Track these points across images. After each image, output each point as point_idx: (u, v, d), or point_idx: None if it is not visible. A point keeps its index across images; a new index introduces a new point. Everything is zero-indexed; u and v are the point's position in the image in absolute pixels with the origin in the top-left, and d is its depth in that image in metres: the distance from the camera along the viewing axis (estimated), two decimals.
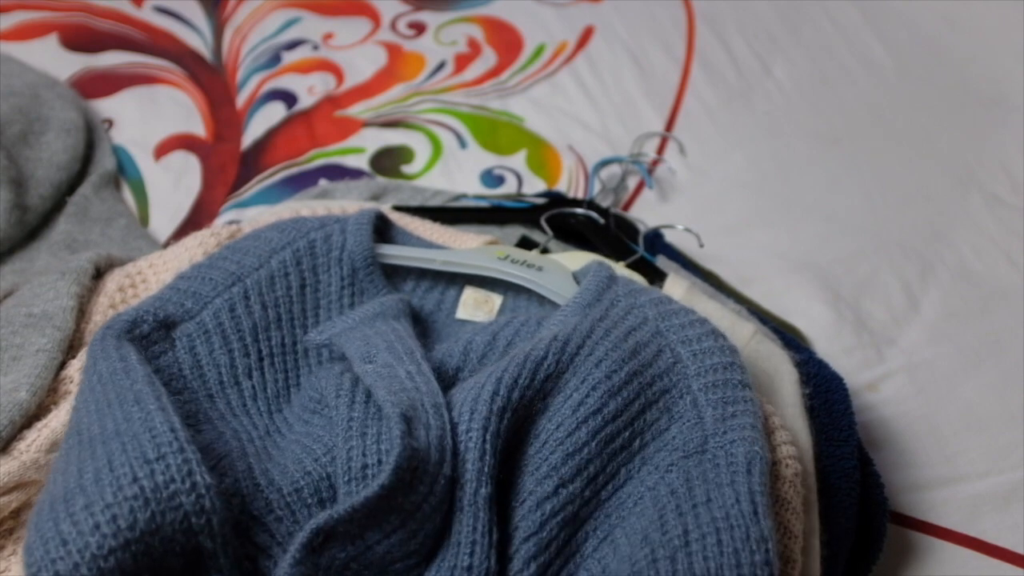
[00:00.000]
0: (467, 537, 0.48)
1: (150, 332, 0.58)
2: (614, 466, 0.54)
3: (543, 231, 0.82)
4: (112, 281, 0.66)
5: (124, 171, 0.95)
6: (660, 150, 1.04)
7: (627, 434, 0.54)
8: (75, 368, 0.60)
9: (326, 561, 0.47)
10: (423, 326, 0.67)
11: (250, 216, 0.89)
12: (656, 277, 0.74)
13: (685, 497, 0.51)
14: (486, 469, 0.50)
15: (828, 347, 0.86)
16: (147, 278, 0.67)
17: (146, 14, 1.12)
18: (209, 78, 1.06)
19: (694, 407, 0.56)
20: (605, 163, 0.98)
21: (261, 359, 0.60)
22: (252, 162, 0.98)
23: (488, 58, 1.11)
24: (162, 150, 0.98)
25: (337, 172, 0.97)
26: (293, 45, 1.10)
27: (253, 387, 0.59)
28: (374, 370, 0.55)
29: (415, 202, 0.88)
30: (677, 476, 0.53)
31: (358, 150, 1.00)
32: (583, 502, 0.52)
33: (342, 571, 0.47)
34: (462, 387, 0.55)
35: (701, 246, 0.85)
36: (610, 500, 0.53)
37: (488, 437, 0.51)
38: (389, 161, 0.99)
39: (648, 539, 0.49)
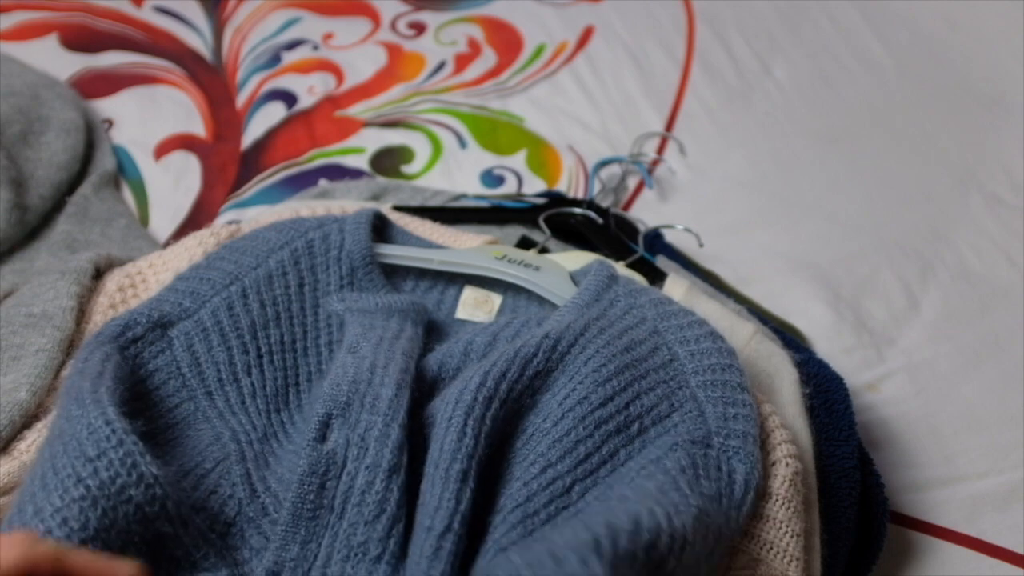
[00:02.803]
0: (432, 504, 0.48)
1: (144, 333, 0.58)
2: (611, 447, 0.54)
3: (543, 231, 0.82)
4: (112, 281, 0.66)
5: (124, 171, 0.95)
6: (660, 150, 1.04)
7: (621, 418, 0.54)
8: None
9: None
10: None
11: (250, 216, 0.89)
12: (656, 277, 0.74)
13: (694, 481, 0.52)
14: (464, 449, 0.50)
15: (828, 347, 0.86)
16: (147, 278, 0.67)
17: (146, 14, 1.12)
18: (209, 78, 1.06)
19: (693, 400, 0.56)
20: (605, 163, 0.98)
21: (260, 356, 0.60)
22: (252, 162, 0.98)
23: (488, 58, 1.11)
24: (162, 150, 0.98)
25: (337, 172, 0.97)
26: (293, 45, 1.10)
27: (252, 384, 0.59)
28: (344, 361, 0.56)
29: (415, 202, 0.88)
30: (683, 456, 0.53)
31: (358, 150, 1.00)
32: (575, 479, 0.52)
33: None
34: (455, 382, 0.56)
35: (701, 246, 0.85)
36: (610, 477, 0.53)
37: (470, 422, 0.51)
38: (389, 161, 0.99)
39: (666, 494, 0.49)
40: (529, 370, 0.55)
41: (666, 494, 0.49)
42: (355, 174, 0.97)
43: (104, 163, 0.93)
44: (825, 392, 0.71)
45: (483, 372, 0.53)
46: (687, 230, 0.86)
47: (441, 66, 1.10)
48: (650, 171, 1.00)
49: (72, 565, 0.38)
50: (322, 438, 0.52)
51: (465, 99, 1.06)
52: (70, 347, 0.62)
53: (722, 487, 0.53)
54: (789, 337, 0.77)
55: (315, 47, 1.11)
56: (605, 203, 0.89)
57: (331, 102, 1.04)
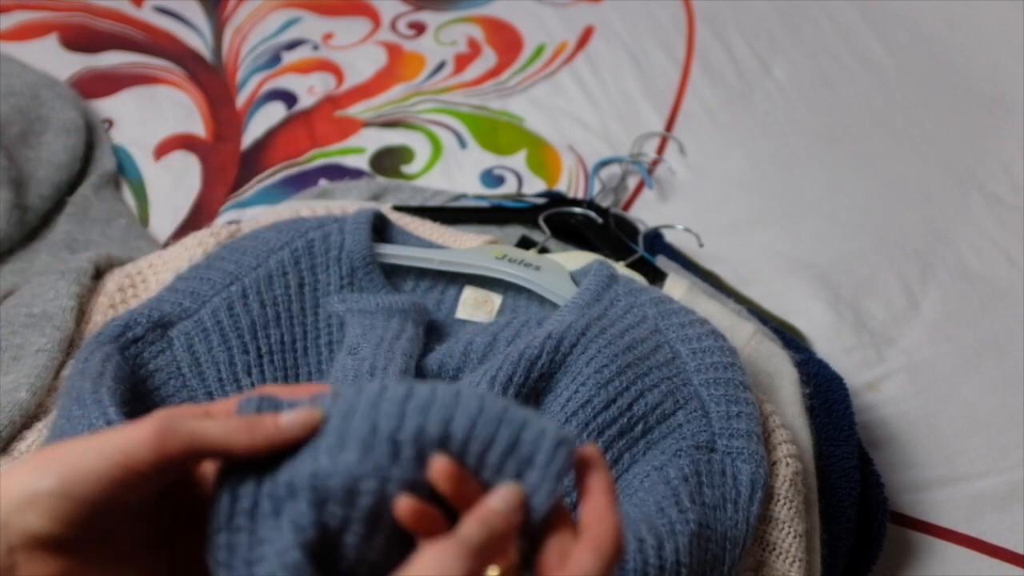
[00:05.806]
0: None
1: (144, 333, 0.58)
2: (614, 452, 0.54)
3: (543, 231, 0.82)
4: (112, 281, 0.66)
5: (124, 171, 0.95)
6: (660, 150, 1.04)
7: (625, 420, 0.54)
8: None
9: None
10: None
11: (250, 216, 0.89)
12: (656, 277, 0.74)
13: (696, 491, 0.52)
14: None
15: (828, 347, 0.86)
16: (147, 278, 0.67)
17: (146, 14, 1.12)
18: (209, 78, 1.06)
19: (697, 398, 0.57)
20: (605, 163, 0.98)
21: (260, 357, 0.60)
22: (252, 162, 0.98)
23: (488, 58, 1.11)
24: (162, 150, 0.98)
25: (337, 172, 0.97)
26: (293, 45, 1.10)
27: (252, 384, 0.59)
28: (344, 363, 0.56)
29: (415, 202, 0.88)
30: (687, 463, 0.53)
31: (358, 150, 1.00)
32: None
33: None
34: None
35: (701, 246, 0.85)
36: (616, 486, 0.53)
37: None
38: (389, 161, 0.99)
39: (664, 511, 0.49)
40: (534, 372, 0.55)
41: (664, 512, 0.49)
42: (355, 174, 0.97)
43: (104, 163, 0.93)
44: (825, 392, 0.71)
45: (489, 377, 0.53)
46: (687, 230, 0.86)
47: (441, 66, 1.10)
48: (650, 171, 1.00)
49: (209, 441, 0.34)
50: None
51: (465, 99, 1.06)
52: (70, 347, 0.62)
53: (727, 492, 0.53)
54: (789, 337, 0.77)
55: (315, 47, 1.10)
56: (605, 203, 0.89)
57: (331, 102, 1.04)
